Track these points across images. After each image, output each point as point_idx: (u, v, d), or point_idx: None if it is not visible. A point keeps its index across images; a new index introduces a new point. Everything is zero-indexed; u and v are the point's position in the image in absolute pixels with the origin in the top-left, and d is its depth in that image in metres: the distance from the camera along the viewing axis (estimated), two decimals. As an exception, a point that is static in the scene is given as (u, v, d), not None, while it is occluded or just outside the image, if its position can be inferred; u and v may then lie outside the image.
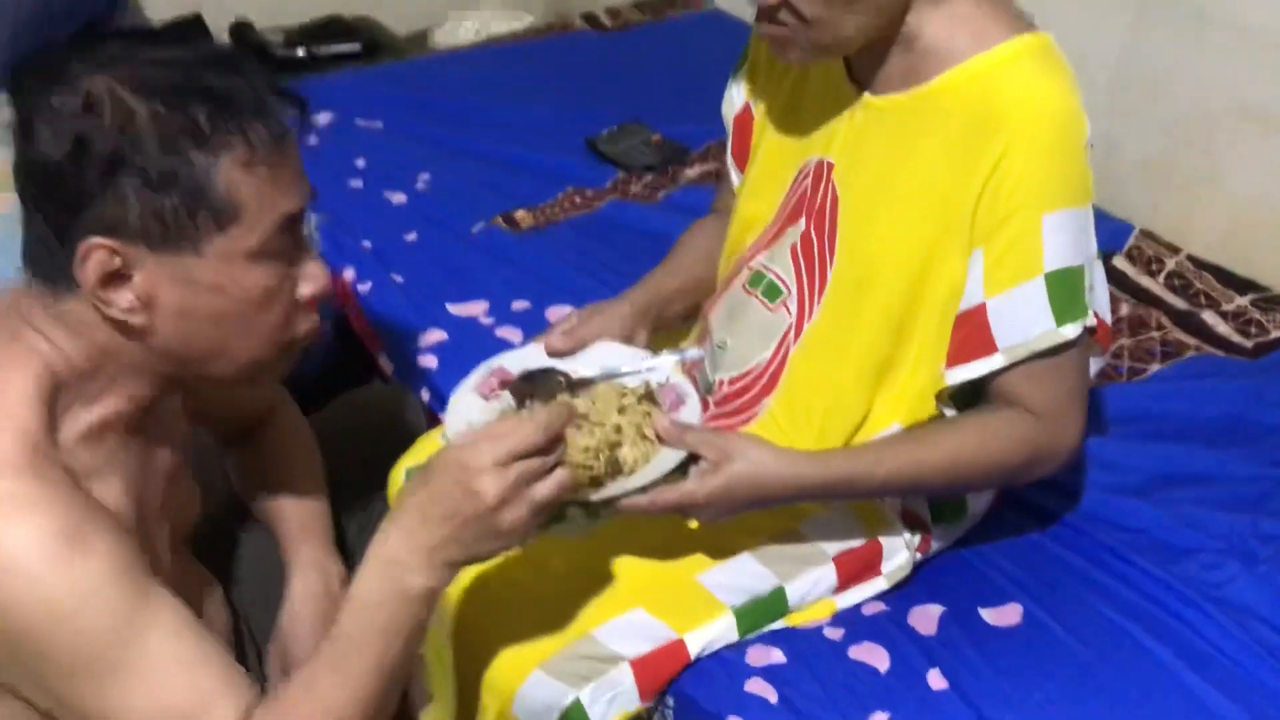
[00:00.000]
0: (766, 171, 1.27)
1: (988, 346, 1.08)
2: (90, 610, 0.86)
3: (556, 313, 1.66)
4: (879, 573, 1.22)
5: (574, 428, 1.10)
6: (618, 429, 1.09)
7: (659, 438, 1.08)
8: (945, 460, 1.09)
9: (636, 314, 1.27)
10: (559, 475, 0.93)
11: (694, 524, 1.17)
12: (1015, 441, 1.09)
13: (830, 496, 1.16)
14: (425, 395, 1.57)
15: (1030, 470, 1.13)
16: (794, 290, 1.20)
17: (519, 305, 1.69)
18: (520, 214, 1.92)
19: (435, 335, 1.64)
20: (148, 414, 0.99)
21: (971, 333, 1.09)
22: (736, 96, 1.32)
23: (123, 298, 0.88)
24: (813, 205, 1.20)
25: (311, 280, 0.97)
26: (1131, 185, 1.81)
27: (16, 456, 0.86)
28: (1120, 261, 1.71)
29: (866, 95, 1.13)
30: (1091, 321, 1.08)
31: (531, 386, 1.18)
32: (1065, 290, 1.05)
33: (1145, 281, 1.67)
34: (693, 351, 1.22)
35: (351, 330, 1.78)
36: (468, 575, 1.15)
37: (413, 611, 0.93)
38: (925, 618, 1.19)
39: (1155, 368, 1.52)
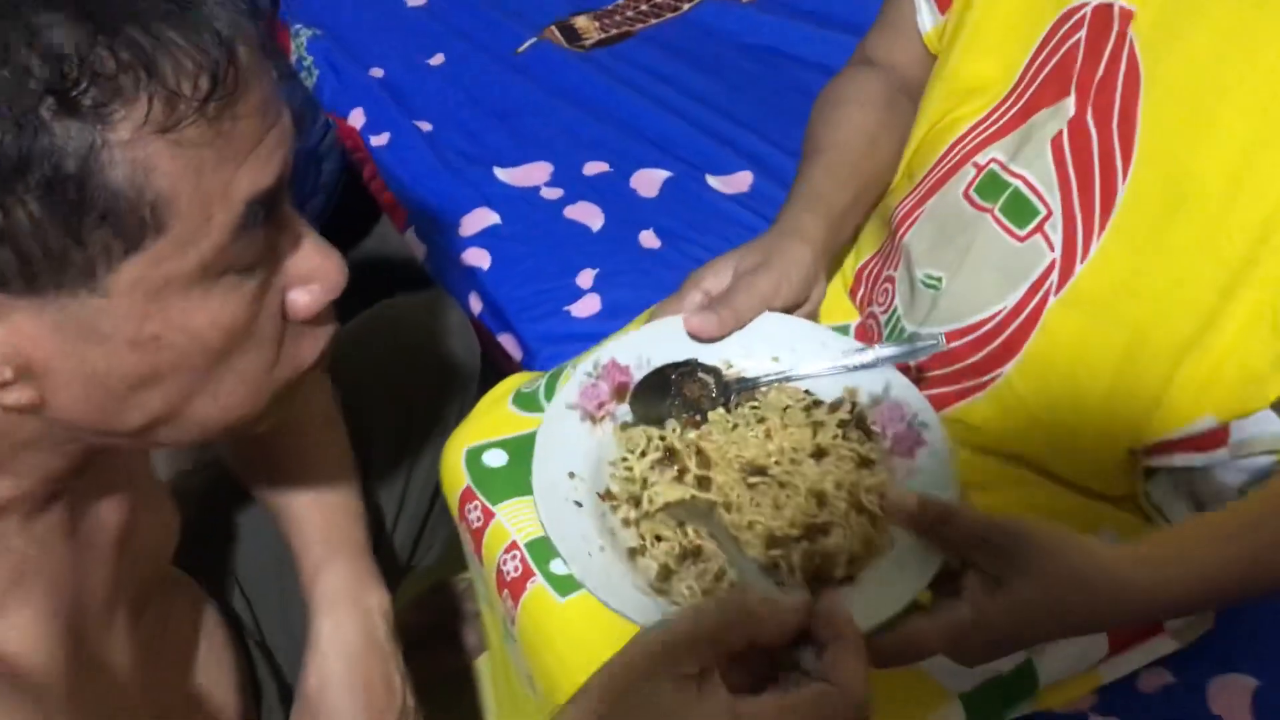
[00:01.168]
0: (1001, 12, 0.86)
1: None
2: None
3: (648, 180, 1.22)
4: (1163, 630, 0.86)
5: (744, 485, 0.71)
6: (819, 498, 0.69)
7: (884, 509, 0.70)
8: None
9: (817, 259, 0.86)
10: None
11: None
12: None
13: (1182, 615, 0.79)
14: (475, 305, 1.17)
15: None
16: (1059, 209, 0.83)
17: (594, 168, 1.26)
18: (582, 22, 1.49)
19: (483, 217, 1.21)
20: (69, 482, 0.66)
21: None
22: None
23: None
24: (1090, 76, 0.81)
25: (312, 285, 0.61)
26: None
27: None
28: None
29: None
30: None
31: (664, 399, 0.78)
32: None
33: None
34: (929, 340, 0.80)
35: (361, 183, 1.35)
36: (603, 637, 0.76)
37: None
38: (1230, 695, 0.84)
39: None
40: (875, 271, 0.96)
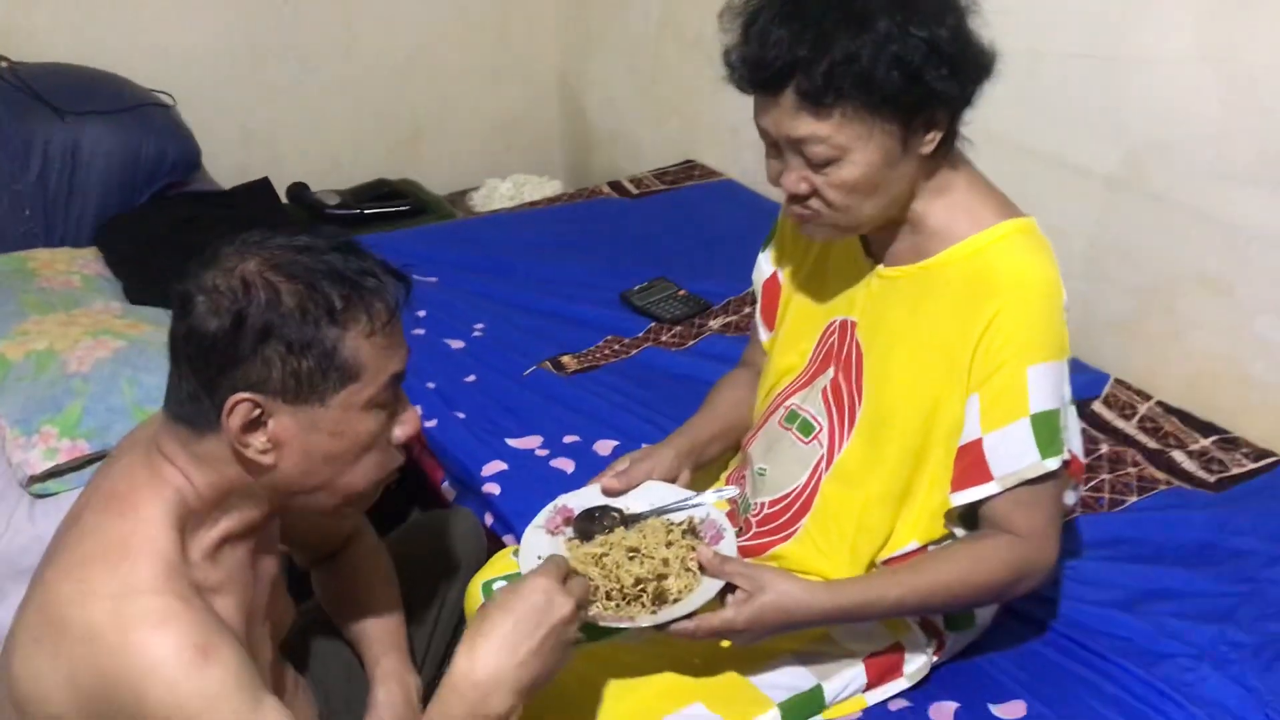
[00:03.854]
0: (796, 329, 1.48)
1: (985, 475, 1.27)
2: (217, 711, 0.98)
3: (604, 446, 1.87)
4: (901, 674, 1.39)
5: (627, 558, 1.30)
6: (665, 562, 1.27)
7: (701, 568, 1.26)
8: (942, 585, 1.28)
9: (680, 457, 1.46)
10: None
11: (726, 644, 1.33)
12: (1002, 563, 1.28)
13: (848, 620, 1.33)
14: (489, 519, 1.76)
15: (1016, 586, 1.30)
16: (825, 426, 1.40)
17: (570, 439, 1.89)
18: (566, 359, 2.15)
19: (496, 465, 1.83)
20: (257, 531, 1.15)
21: (971, 463, 1.28)
22: (765, 266, 1.54)
23: (258, 440, 1.03)
24: (839, 356, 1.41)
25: (405, 424, 1.13)
26: (1106, 340, 2.06)
27: (156, 577, 1.01)
28: (1099, 406, 1.94)
29: (880, 268, 1.35)
30: (1067, 456, 1.28)
31: (591, 523, 1.37)
32: (1047, 429, 1.24)
33: (1121, 424, 1.90)
34: (730, 490, 1.42)
35: (414, 460, 1.99)
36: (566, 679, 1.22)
37: None
38: (943, 712, 1.37)
39: (1133, 499, 1.73)
40: (738, 472, 1.58)
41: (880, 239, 1.35)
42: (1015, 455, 1.25)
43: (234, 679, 0.99)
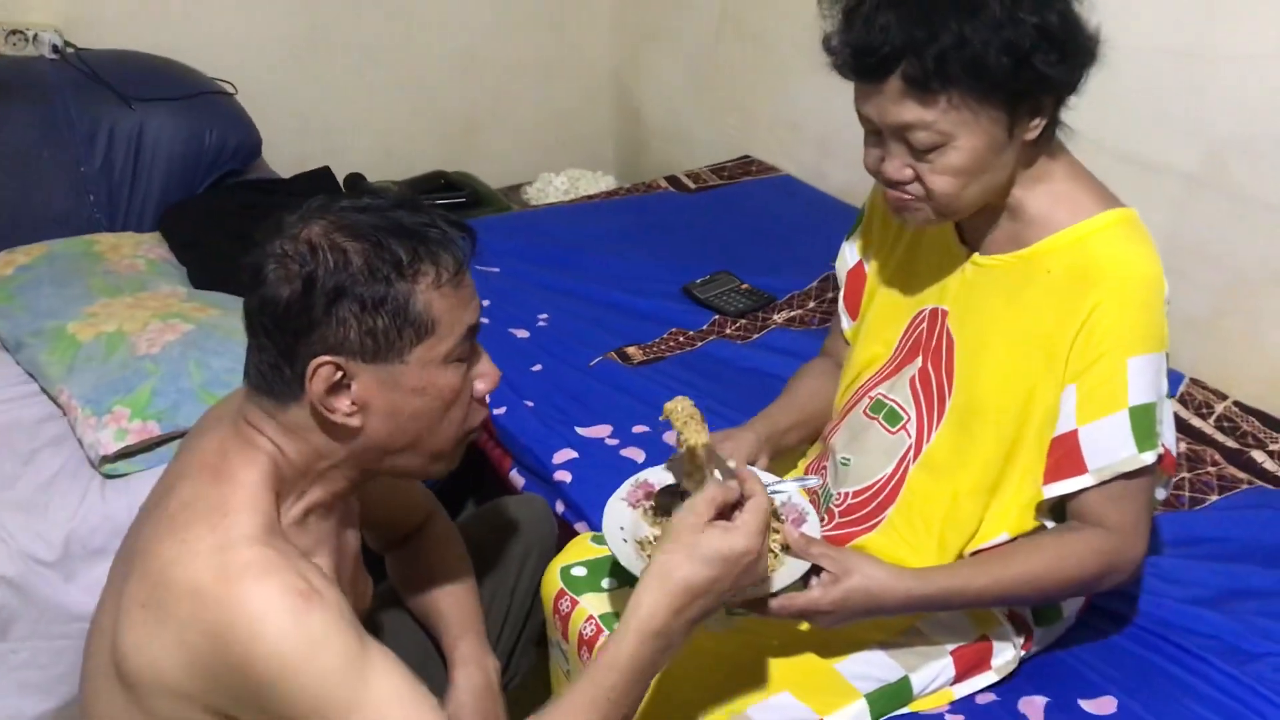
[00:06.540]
0: (881, 319, 1.48)
1: (1078, 467, 1.25)
2: (326, 653, 0.97)
3: (673, 437, 1.85)
4: (989, 667, 1.38)
5: None
6: None
7: (785, 548, 1.24)
8: (1029, 575, 1.26)
9: (760, 442, 1.44)
10: None
11: (805, 626, 1.32)
12: (1090, 555, 1.26)
13: (932, 608, 1.32)
14: (560, 506, 1.76)
15: (1103, 580, 1.28)
16: (913, 416, 1.39)
17: (639, 429, 1.88)
18: (631, 350, 2.15)
19: (567, 453, 1.83)
20: (341, 502, 1.16)
21: (1065, 455, 1.26)
22: (850, 255, 1.54)
23: (343, 403, 1.04)
24: (929, 346, 1.40)
25: (485, 378, 1.13)
26: (1183, 338, 2.02)
27: (256, 530, 1.02)
28: (1174, 405, 1.91)
29: (976, 255, 1.34)
30: (1162, 450, 1.26)
31: (672, 499, 1.34)
32: (1145, 422, 1.23)
33: (1198, 423, 1.88)
34: (812, 479, 1.41)
35: (478, 448, 1.98)
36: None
37: (658, 672, 1.08)
38: (1032, 706, 1.35)
39: (1214, 498, 1.71)
40: (817, 463, 1.57)
41: (976, 226, 1.34)
42: (1111, 448, 1.24)
43: (338, 622, 0.99)
